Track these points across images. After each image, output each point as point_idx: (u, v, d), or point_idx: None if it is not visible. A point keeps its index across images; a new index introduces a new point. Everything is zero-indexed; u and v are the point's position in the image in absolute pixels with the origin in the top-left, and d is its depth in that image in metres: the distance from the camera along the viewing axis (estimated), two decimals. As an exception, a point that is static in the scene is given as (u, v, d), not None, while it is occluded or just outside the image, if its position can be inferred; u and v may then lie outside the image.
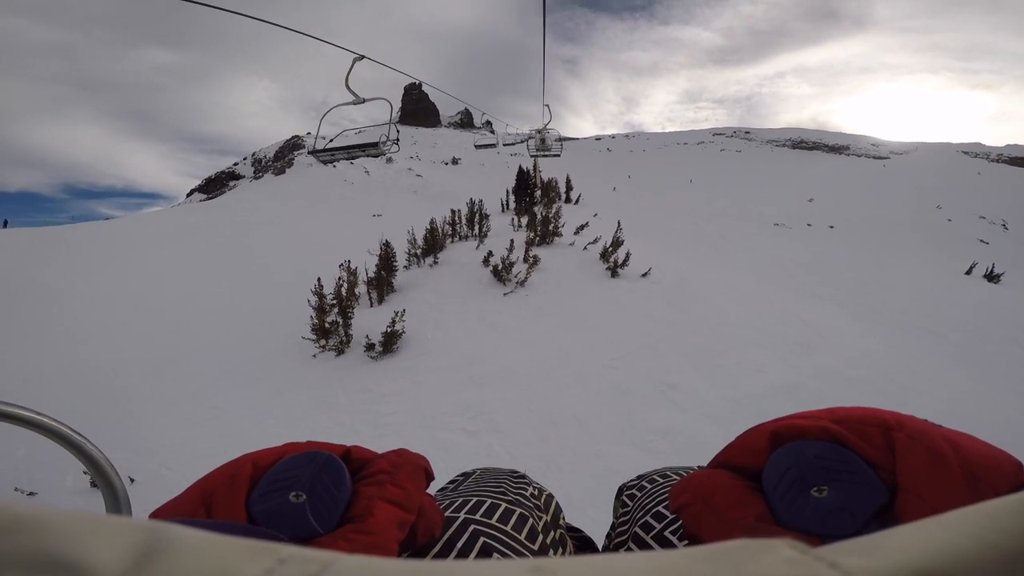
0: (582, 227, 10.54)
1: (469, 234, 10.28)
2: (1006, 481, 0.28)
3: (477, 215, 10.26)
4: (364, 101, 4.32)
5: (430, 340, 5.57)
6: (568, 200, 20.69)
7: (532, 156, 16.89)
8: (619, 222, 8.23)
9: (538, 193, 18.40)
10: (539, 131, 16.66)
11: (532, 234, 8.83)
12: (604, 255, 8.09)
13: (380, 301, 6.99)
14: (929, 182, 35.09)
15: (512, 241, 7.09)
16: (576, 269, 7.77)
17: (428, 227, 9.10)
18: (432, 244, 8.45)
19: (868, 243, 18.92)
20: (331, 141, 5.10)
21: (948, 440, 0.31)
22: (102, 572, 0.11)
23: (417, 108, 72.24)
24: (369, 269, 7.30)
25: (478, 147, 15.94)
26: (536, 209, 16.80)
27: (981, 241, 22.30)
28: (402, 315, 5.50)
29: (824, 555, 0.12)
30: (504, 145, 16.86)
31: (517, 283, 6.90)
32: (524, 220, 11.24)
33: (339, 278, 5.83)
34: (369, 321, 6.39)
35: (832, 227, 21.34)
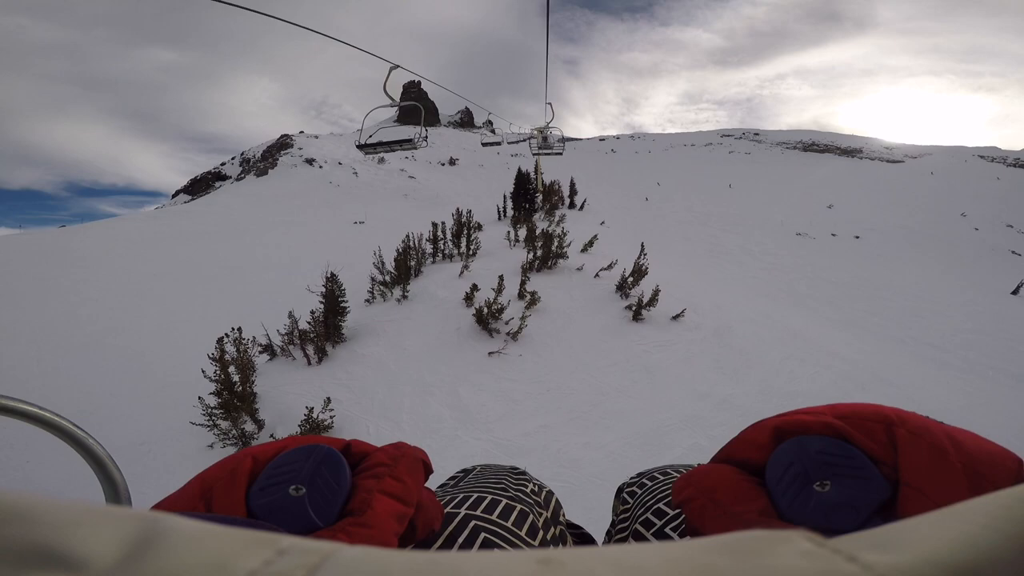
0: (590, 243, 8.70)
1: (455, 252, 8.44)
2: (1007, 477, 0.28)
3: (465, 228, 8.41)
4: (398, 105, 4.78)
5: (371, 437, 3.72)
6: (572, 205, 18.88)
7: (534, 155, 15.93)
8: (643, 245, 6.36)
9: (539, 198, 16.61)
10: (541, 130, 15.19)
11: (531, 254, 6.99)
12: (622, 287, 6.25)
13: (320, 359, 5.15)
14: (948, 187, 33.32)
15: (501, 278, 5.25)
16: (587, 308, 5.93)
17: (400, 247, 7.26)
18: (403, 270, 6.61)
19: (900, 257, 17.12)
20: (371, 136, 5.99)
21: (949, 436, 0.31)
22: (94, 563, 0.11)
23: (415, 107, 70.21)
24: (310, 315, 5.45)
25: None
26: (536, 217, 15.00)
27: (1013, 252, 20.49)
28: (327, 405, 3.64)
29: (842, 548, 0.12)
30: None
31: (508, 335, 5.05)
32: (522, 231, 9.39)
33: (219, 355, 3.90)
34: (299, 391, 4.56)
35: (858, 237, 19.58)
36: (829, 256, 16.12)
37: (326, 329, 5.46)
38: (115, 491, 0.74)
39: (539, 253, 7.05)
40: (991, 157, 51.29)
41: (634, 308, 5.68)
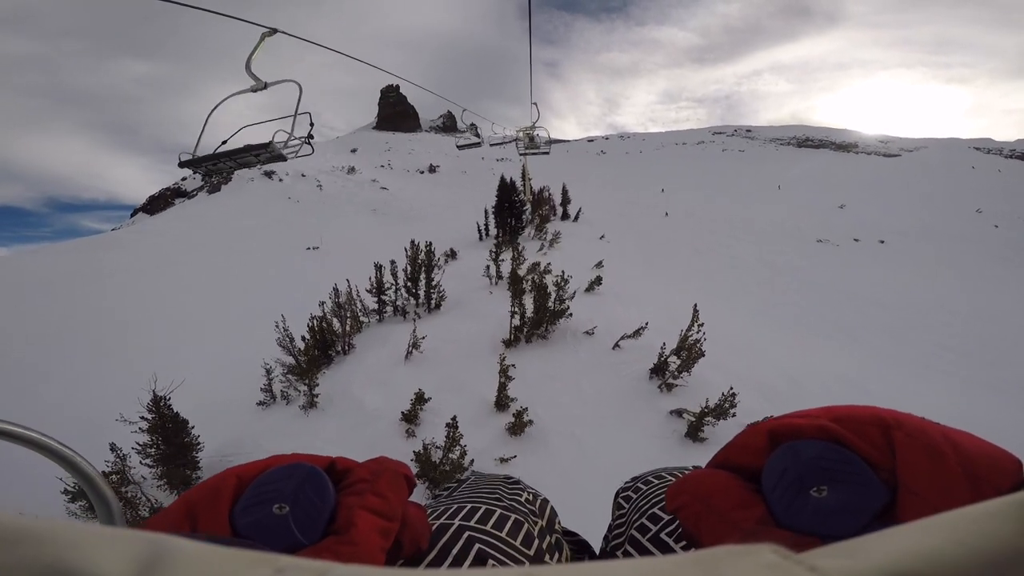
0: (596, 280, 6.41)
1: (407, 304, 6.07)
2: (1007, 478, 0.27)
3: (423, 270, 6.04)
4: (267, 86, 3.13)
5: None
6: (566, 215, 16.60)
7: (521, 155, 14.51)
8: (695, 309, 4.03)
9: (527, 209, 14.32)
10: (527, 131, 13.47)
11: (516, 317, 4.66)
12: (660, 370, 3.95)
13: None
14: (953, 181, 31.79)
15: (454, 427, 2.87)
16: (608, 416, 3.61)
17: (317, 314, 4.89)
18: (314, 355, 4.23)
19: (935, 265, 15.07)
20: (224, 144, 3.39)
21: (947, 438, 0.30)
22: None
23: (395, 112, 67.64)
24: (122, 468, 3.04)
25: (460, 148, 13.41)
26: (525, 234, 12.70)
27: (1044, 252, 18.66)
28: None
29: (805, 559, 0.12)
30: (491, 145, 14.13)
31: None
32: (506, 264, 7.06)
33: None
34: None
35: (883, 242, 17.63)
36: (862, 268, 14.08)
37: (166, 473, 3.09)
38: (108, 510, 0.73)
39: (528, 313, 4.71)
40: (986, 149, 50.29)
41: (690, 419, 3.38)
